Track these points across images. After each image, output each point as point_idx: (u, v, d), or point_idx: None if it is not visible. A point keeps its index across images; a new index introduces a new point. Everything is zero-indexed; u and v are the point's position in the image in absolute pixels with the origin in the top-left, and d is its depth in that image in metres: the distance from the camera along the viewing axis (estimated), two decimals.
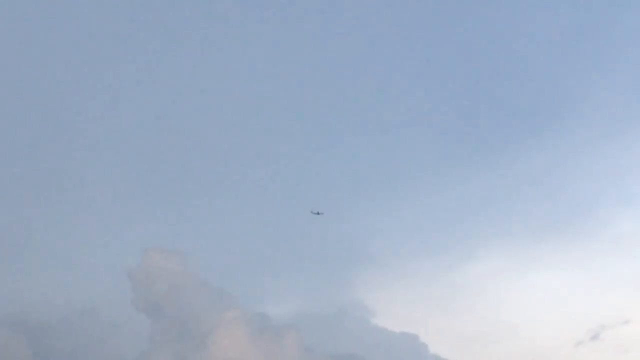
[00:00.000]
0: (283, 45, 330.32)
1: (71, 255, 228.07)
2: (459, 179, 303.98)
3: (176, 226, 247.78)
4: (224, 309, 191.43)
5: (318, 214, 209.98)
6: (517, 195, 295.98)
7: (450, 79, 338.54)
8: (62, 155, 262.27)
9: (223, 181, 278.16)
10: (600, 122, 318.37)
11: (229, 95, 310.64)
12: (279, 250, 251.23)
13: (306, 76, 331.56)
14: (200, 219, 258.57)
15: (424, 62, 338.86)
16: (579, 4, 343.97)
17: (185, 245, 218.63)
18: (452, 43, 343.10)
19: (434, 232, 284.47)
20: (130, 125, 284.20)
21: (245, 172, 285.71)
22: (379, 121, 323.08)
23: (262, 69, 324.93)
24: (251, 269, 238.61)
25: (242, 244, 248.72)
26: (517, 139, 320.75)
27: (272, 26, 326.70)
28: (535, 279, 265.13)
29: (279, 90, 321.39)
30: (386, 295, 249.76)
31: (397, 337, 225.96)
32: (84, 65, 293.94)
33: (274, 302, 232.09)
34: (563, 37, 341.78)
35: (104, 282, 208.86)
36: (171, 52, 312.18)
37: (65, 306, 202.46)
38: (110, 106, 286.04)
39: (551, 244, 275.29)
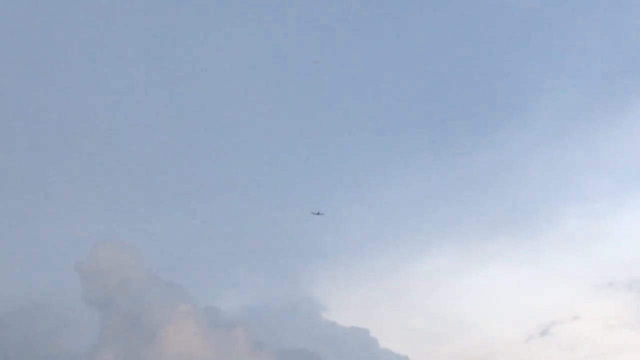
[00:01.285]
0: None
1: (20, 249, 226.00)
2: (411, 176, 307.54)
3: (127, 220, 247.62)
4: (175, 303, 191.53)
5: (318, 214, 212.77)
6: (469, 192, 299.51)
7: (402, 77, 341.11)
8: (9, 150, 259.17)
9: (174, 175, 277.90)
10: (551, 120, 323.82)
11: (183, 94, 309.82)
12: (231, 245, 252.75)
13: (260, 73, 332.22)
14: (152, 213, 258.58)
15: (375, 60, 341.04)
16: (529, 3, 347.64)
17: (136, 239, 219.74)
18: (404, 41, 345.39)
19: (385, 227, 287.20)
20: (79, 117, 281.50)
21: (196, 167, 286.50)
22: (331, 119, 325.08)
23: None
24: (203, 263, 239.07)
25: (194, 237, 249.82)
26: (469, 137, 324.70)
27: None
28: (486, 275, 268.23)
29: (233, 90, 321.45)
30: (337, 290, 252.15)
31: (348, 332, 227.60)
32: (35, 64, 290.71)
33: (225, 296, 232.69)
34: (514, 37, 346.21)
35: (54, 276, 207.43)
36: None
37: (15, 301, 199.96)
38: (54, 101, 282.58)
39: (502, 240, 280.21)
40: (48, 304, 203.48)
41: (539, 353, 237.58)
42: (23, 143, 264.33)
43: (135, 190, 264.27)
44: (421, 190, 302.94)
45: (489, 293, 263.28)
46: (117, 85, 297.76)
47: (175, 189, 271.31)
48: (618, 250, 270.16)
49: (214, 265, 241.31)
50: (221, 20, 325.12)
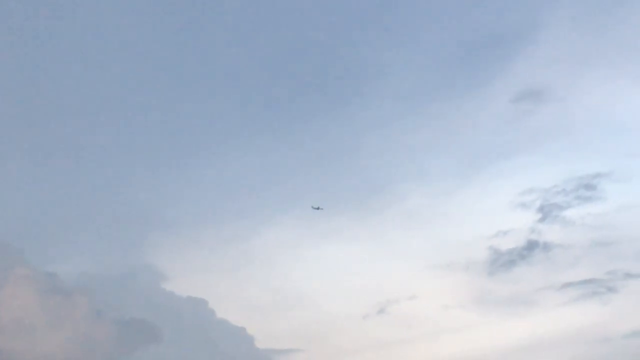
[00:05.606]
0: None
1: None
2: (254, 148, 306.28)
3: None
4: (10, 265, 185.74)
5: (318, 209, 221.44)
6: (312, 167, 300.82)
7: (246, 52, 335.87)
8: None
9: (15, 133, 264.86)
10: (395, 99, 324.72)
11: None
12: (72, 209, 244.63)
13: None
14: None
15: (221, 35, 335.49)
16: None
17: None
18: (250, 17, 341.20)
19: (227, 199, 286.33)
20: None
21: (39, 125, 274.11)
22: (181, 85, 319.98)
23: None
24: (42, 226, 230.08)
25: (33, 199, 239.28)
26: (315, 113, 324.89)
27: None
28: (326, 251, 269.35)
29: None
30: (177, 260, 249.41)
31: (186, 302, 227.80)
32: None
33: (64, 261, 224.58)
34: (357, 15, 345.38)
35: None
36: None
37: None
38: None
39: (344, 216, 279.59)
40: None
41: (375, 331, 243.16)
42: None
43: None
44: (265, 163, 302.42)
45: (329, 269, 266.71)
46: None
47: (16, 147, 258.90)
48: (457, 231, 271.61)
49: (53, 229, 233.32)
50: None
